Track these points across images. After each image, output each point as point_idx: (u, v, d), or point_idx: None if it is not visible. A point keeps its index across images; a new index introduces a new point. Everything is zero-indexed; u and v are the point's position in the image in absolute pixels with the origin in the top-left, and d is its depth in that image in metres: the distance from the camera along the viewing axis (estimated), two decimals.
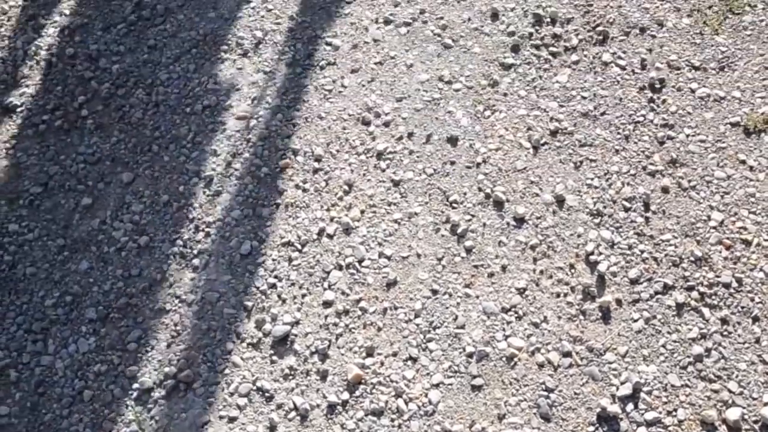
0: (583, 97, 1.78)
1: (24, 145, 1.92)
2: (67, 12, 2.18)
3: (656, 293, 1.49)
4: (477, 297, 1.52)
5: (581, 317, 1.46)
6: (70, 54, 2.08)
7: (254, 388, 1.44)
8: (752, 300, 1.47)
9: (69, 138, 1.91)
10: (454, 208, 1.63)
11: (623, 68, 1.82)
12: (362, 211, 1.64)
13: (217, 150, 1.80)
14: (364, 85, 1.85)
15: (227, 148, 1.80)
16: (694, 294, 1.49)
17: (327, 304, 1.55)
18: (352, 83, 1.85)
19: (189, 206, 1.73)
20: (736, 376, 1.36)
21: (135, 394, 1.46)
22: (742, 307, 1.46)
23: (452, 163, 1.70)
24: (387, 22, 1.96)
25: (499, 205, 1.63)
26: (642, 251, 1.55)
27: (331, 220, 1.65)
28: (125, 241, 1.70)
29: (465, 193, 1.65)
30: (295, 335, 1.50)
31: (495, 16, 1.94)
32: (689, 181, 1.64)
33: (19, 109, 1.99)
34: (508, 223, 1.61)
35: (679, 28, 1.88)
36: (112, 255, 1.69)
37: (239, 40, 1.99)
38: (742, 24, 1.88)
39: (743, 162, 1.66)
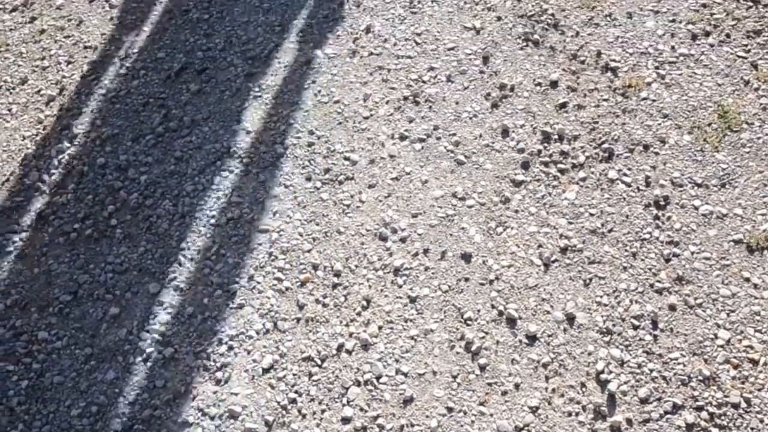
0: (591, 214, 1.88)
1: (55, 252, 2.04)
2: (99, 122, 2.34)
3: (666, 413, 1.56)
4: (491, 415, 1.59)
5: None
6: (100, 164, 2.22)
7: None
8: (761, 421, 1.53)
9: (98, 247, 2.03)
10: (468, 325, 1.72)
11: (629, 185, 1.93)
12: (380, 327, 1.73)
13: (240, 263, 1.91)
14: (381, 201, 1.97)
15: (250, 261, 1.91)
16: (704, 414, 1.55)
17: (345, 420, 1.62)
18: (369, 198, 1.97)
19: (213, 318, 1.82)
20: None
21: None
22: (752, 428, 1.52)
23: (466, 279, 1.80)
24: (402, 137, 2.10)
25: (511, 322, 1.72)
26: (651, 370, 1.62)
27: (350, 335, 1.73)
28: (151, 351, 1.79)
29: (479, 310, 1.75)
30: None
31: (505, 132, 2.07)
32: (695, 299, 1.73)
33: (51, 218, 2.12)
34: (520, 341, 1.69)
35: (680, 145, 2.00)
36: (138, 365, 1.78)
37: (261, 154, 2.13)
38: (740, 141, 2.00)
39: (747, 280, 1.75)
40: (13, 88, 2.56)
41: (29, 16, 2.85)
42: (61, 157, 2.27)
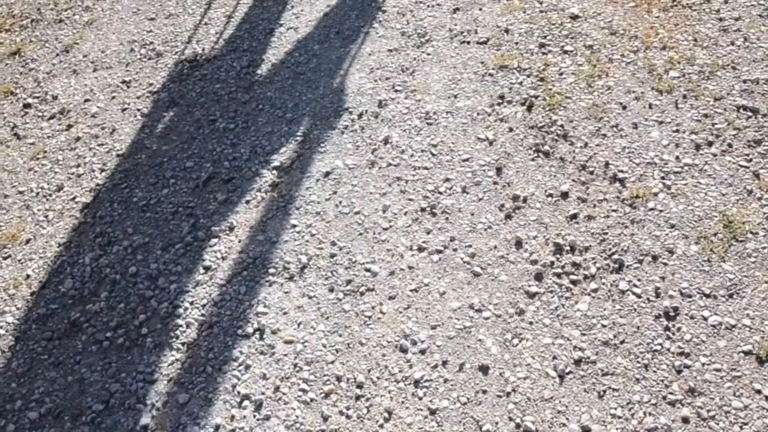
0: (603, 326, 2.00)
1: (88, 361, 2.16)
2: (131, 230, 2.51)
3: None
4: None
5: None
6: (132, 272, 2.37)
7: None
8: None
9: (130, 356, 2.15)
10: None
11: (639, 296, 2.05)
12: None
13: (266, 374, 2.02)
14: (401, 312, 2.09)
15: (276, 372, 2.02)
16: None
17: None
18: (390, 310, 2.10)
19: (240, 430, 1.93)
20: None
21: None
22: None
23: (484, 392, 1.90)
24: (420, 249, 2.24)
25: None
26: None
27: None
28: None
29: (497, 423, 1.84)
30: None
31: (519, 244, 2.21)
32: (708, 411, 1.82)
33: (85, 325, 2.26)
34: None
35: (688, 256, 2.13)
36: None
37: (286, 264, 2.28)
38: (746, 251, 2.12)
39: (759, 392, 1.84)
40: (50, 195, 2.75)
41: (66, 124, 3.08)
42: (94, 265, 2.43)
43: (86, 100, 3.17)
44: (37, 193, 2.77)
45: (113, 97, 3.14)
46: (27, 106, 3.25)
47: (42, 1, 3.98)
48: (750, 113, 2.49)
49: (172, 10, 3.58)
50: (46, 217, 2.67)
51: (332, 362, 2.03)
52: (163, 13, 3.58)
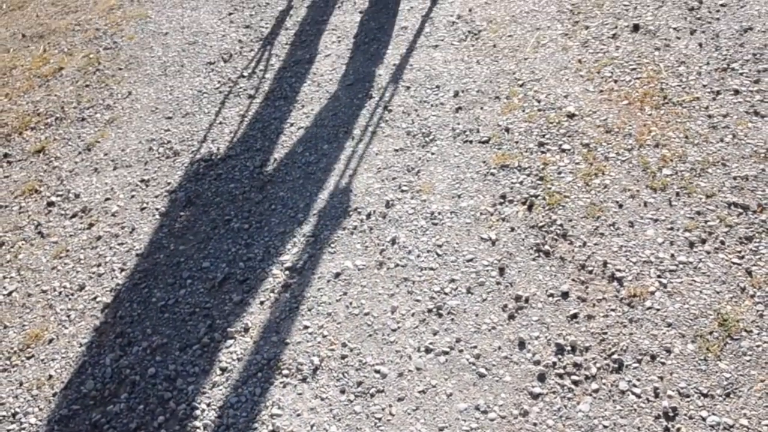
0: (605, 426, 2.10)
1: None
2: (150, 331, 2.66)
3: None
4: None
5: None
6: (151, 373, 2.51)
7: None
8: None
9: None
10: None
11: (638, 396, 2.16)
12: None
13: None
14: (409, 414, 2.21)
15: None
16: None
17: None
18: (399, 411, 2.22)
19: None
20: None
21: None
22: None
23: None
24: (428, 350, 2.37)
25: None
26: None
27: None
28: None
29: None
30: None
31: (522, 344, 2.34)
32: None
33: (105, 427, 2.38)
34: None
35: (685, 355, 2.25)
36: None
37: (299, 366, 2.41)
38: (741, 349, 2.24)
39: None
40: (72, 294, 2.92)
41: (87, 222, 3.27)
42: (115, 365, 2.57)
43: (107, 199, 3.37)
44: (60, 293, 2.94)
45: (132, 196, 3.34)
46: (51, 204, 3.45)
47: (66, 100, 4.25)
48: (740, 210, 2.65)
49: (188, 108, 3.82)
50: (68, 316, 2.82)
51: None
52: (180, 112, 3.83)
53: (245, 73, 3.98)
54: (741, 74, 3.22)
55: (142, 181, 3.40)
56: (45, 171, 3.71)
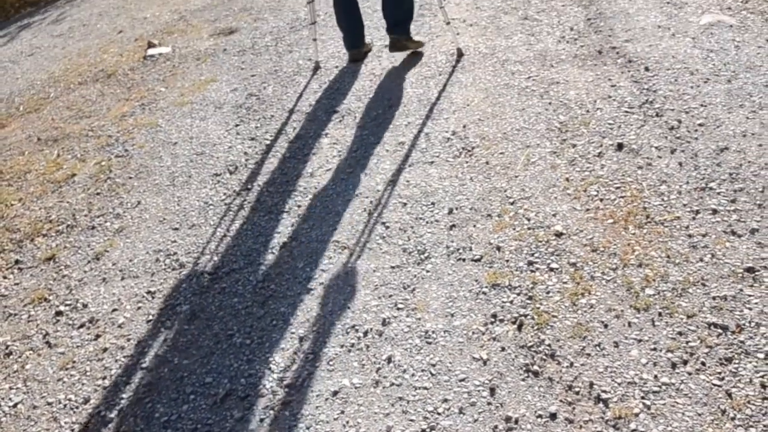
0: None
1: None
2: None
3: None
4: None
5: None
6: None
7: None
8: None
9: None
10: None
11: None
12: None
13: None
14: None
15: None
16: None
17: None
18: None
19: None
20: None
21: None
22: None
23: None
24: None
25: None
26: None
27: None
28: None
29: None
30: None
31: None
32: None
33: None
34: None
35: None
36: None
37: None
38: None
39: None
40: (77, 407, 3.05)
41: (94, 333, 3.43)
42: None
43: (114, 310, 3.55)
44: (65, 405, 3.07)
45: (139, 308, 3.52)
46: (59, 313, 3.63)
47: (77, 207, 4.49)
48: (720, 330, 2.81)
49: (194, 220, 4.05)
50: (72, 430, 2.94)
51: None
52: (186, 223, 4.06)
53: (249, 186, 4.23)
54: (718, 194, 3.45)
55: (149, 292, 3.58)
56: (54, 279, 3.90)
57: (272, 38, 6.58)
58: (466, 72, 5.03)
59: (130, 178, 4.66)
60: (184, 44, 7.03)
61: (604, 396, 2.63)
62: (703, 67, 4.58)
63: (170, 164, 4.69)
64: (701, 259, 3.12)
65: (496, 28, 5.71)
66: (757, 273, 2.97)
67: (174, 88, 5.99)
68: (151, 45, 7.27)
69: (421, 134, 4.36)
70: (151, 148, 4.99)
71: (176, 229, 4.01)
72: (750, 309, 2.83)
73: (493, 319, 2.99)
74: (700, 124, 3.98)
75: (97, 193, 4.59)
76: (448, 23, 5.15)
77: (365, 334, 3.05)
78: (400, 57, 5.49)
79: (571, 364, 2.77)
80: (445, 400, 2.70)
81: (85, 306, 3.61)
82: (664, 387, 2.64)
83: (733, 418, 2.50)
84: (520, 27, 5.66)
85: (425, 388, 2.76)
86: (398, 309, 3.12)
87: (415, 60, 5.39)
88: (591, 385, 2.68)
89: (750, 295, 2.88)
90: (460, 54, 5.19)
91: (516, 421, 2.59)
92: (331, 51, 6.00)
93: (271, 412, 2.79)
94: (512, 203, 3.59)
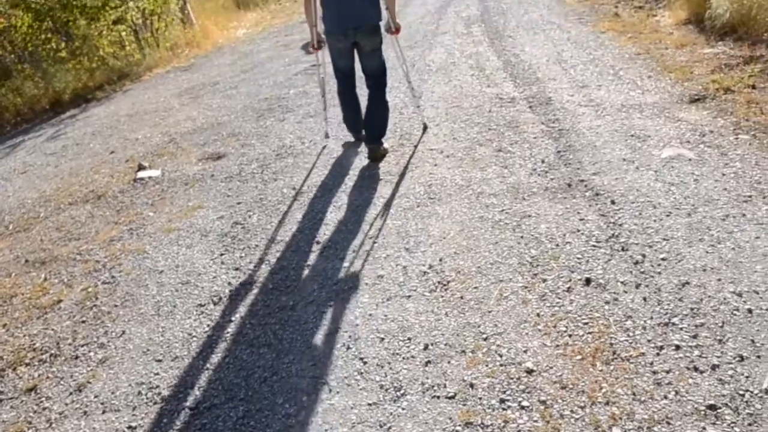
0: None
1: None
2: None
3: None
4: None
5: None
6: None
7: None
8: None
9: None
10: None
11: None
12: None
13: None
14: None
15: None
16: None
17: None
18: None
19: None
20: None
21: None
22: None
23: None
24: None
25: None
26: None
27: None
28: None
29: None
30: None
31: None
32: None
33: None
34: None
35: None
36: None
37: None
38: None
39: None
40: None
41: None
42: None
43: None
44: None
45: None
46: None
47: (62, 335, 4.61)
48: None
49: (177, 352, 4.18)
50: None
51: None
52: (170, 354, 4.19)
53: (232, 317, 4.40)
54: (681, 329, 3.66)
55: (130, 428, 3.67)
56: (35, 412, 3.97)
57: (258, 165, 6.93)
58: (443, 204, 5.34)
59: (116, 306, 4.81)
60: (173, 168, 7.36)
61: None
62: (665, 200, 4.91)
63: (156, 293, 4.86)
64: (665, 396, 3.29)
65: (472, 159, 6.09)
66: (718, 410, 3.14)
67: (162, 213, 6.25)
68: (141, 167, 7.59)
69: (399, 267, 4.59)
70: (138, 275, 5.18)
71: (159, 360, 4.14)
72: None
73: None
74: (663, 259, 4.24)
75: (83, 321, 4.72)
76: (418, 106, 7.05)
77: None
78: (382, 187, 5.81)
79: None
80: None
81: None
82: None
83: None
84: (494, 159, 6.04)
85: None
86: None
87: (396, 191, 5.71)
88: None
89: None
90: (425, 128, 6.82)
91: None
92: (315, 180, 6.34)
93: None
94: (485, 339, 3.78)
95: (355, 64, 6.03)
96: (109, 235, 6.08)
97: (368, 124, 6.07)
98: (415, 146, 6.59)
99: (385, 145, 6.30)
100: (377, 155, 6.12)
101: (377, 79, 5.98)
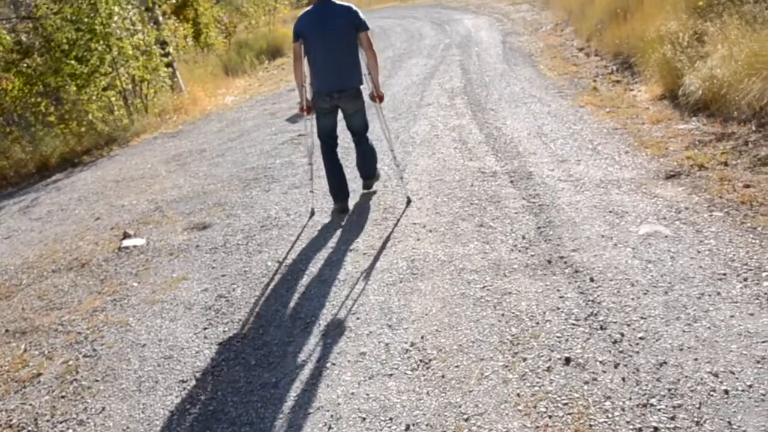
0: None
1: None
2: None
3: None
4: None
5: None
6: None
7: None
8: None
9: None
10: None
11: None
12: None
13: None
14: None
15: None
16: None
17: None
18: None
19: None
20: None
21: None
22: None
23: None
24: None
25: None
26: None
27: None
28: None
29: None
30: None
31: None
32: None
33: None
34: None
35: None
36: None
37: None
38: None
39: None
40: None
41: None
42: None
43: None
44: None
45: None
46: None
47: (40, 411, 4.58)
48: None
49: (158, 430, 4.17)
50: None
51: None
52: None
53: (215, 394, 4.41)
54: (659, 410, 3.73)
55: None
56: None
57: (243, 236, 7.01)
58: (425, 279, 5.43)
59: (97, 380, 4.80)
60: (158, 237, 7.43)
61: None
62: (643, 278, 5.04)
63: (138, 367, 4.86)
64: None
65: (454, 234, 6.22)
66: None
67: (146, 284, 6.28)
68: (126, 235, 7.65)
69: (381, 344, 4.64)
70: (120, 348, 5.18)
71: None
72: None
73: None
74: (641, 338, 4.33)
75: (62, 396, 4.70)
76: (402, 179, 7.38)
77: None
78: (365, 261, 5.90)
79: None
80: None
81: None
82: None
83: None
84: (476, 234, 6.17)
85: None
86: None
87: (378, 265, 5.80)
88: None
89: None
90: (408, 201, 7.03)
91: None
92: (299, 253, 6.42)
93: None
94: (466, 419, 3.81)
95: (337, 127, 6.72)
96: (92, 305, 6.10)
97: (359, 165, 7.04)
98: (398, 220, 6.72)
99: (374, 187, 7.36)
100: (369, 186, 7.26)
101: (361, 135, 6.80)
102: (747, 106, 7.78)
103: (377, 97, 6.42)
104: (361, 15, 6.09)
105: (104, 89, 14.15)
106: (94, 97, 14.02)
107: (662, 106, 9.30)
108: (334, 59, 6.13)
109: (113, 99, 14.48)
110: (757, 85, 7.73)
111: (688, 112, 8.72)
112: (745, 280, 4.76)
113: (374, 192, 7.43)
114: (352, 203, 7.29)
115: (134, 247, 7.24)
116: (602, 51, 13.65)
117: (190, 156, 11.11)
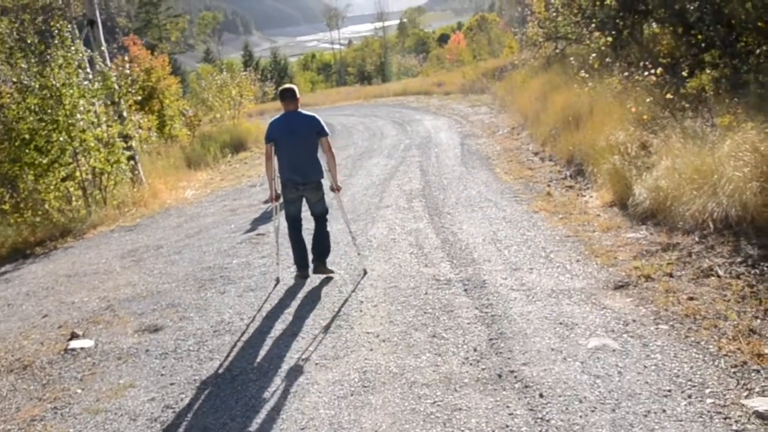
0: None
1: None
2: None
3: None
4: None
5: None
6: None
7: None
8: None
9: None
10: None
11: None
12: None
13: None
14: None
15: None
16: None
17: None
18: None
19: None
20: None
21: None
22: None
23: None
24: None
25: None
26: None
27: None
28: None
29: None
30: None
31: None
32: None
33: None
34: None
35: None
36: None
37: None
38: None
39: None
40: None
41: None
42: None
43: None
44: None
45: None
46: None
47: None
48: None
49: None
50: None
51: None
52: None
53: None
54: None
55: None
56: None
57: (195, 342, 6.95)
58: (377, 393, 5.43)
59: None
60: (107, 338, 7.30)
61: None
62: (591, 394, 5.12)
63: None
64: None
65: (407, 345, 6.27)
66: None
67: (91, 391, 6.13)
68: (74, 336, 7.49)
69: None
70: None
71: None
72: None
73: None
74: None
75: None
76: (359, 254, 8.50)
77: None
78: (317, 372, 5.88)
79: None
80: None
81: None
82: None
83: None
84: (428, 345, 6.23)
85: None
86: None
87: (330, 377, 5.79)
88: None
89: None
90: (365, 272, 8.14)
91: None
92: (251, 362, 6.38)
93: None
94: None
95: (301, 212, 7.95)
96: (31, 413, 5.90)
97: (314, 247, 7.93)
98: (352, 328, 6.76)
99: (329, 267, 8.06)
100: (320, 270, 7.91)
101: (321, 220, 7.94)
102: (690, 217, 8.15)
103: (336, 189, 7.88)
104: (323, 123, 7.55)
105: (63, 179, 14.11)
106: (51, 187, 13.96)
107: (612, 213, 9.66)
108: (300, 158, 7.50)
109: (72, 189, 14.43)
110: (700, 199, 8.13)
111: (637, 220, 9.09)
112: (689, 396, 4.88)
113: (331, 278, 8.06)
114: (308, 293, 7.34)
115: (81, 348, 7.10)
116: (556, 156, 14.21)
117: (147, 252, 11.06)
